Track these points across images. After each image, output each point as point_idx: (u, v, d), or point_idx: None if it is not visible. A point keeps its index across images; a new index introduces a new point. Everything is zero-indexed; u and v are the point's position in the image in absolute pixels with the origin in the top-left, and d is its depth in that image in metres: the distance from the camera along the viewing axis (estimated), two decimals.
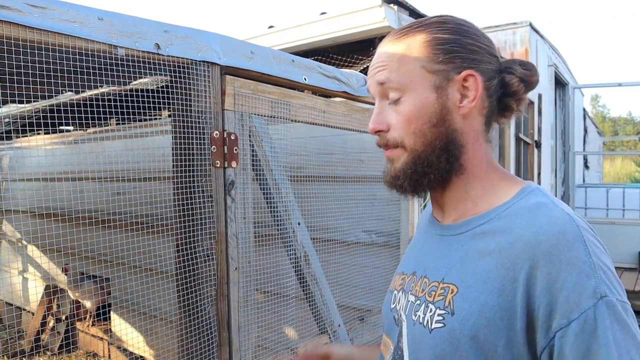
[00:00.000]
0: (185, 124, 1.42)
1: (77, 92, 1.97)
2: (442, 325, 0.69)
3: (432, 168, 0.75)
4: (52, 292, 4.01)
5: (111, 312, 3.55)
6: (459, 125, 0.75)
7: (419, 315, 0.74)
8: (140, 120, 2.77)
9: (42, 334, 4.04)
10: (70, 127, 3.81)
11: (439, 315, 0.70)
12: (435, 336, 0.69)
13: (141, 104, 1.52)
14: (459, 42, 0.75)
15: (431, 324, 0.71)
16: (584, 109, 8.33)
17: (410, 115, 0.75)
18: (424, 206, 2.36)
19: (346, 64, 3.09)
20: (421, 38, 0.75)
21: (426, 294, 0.74)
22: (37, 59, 1.12)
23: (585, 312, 0.60)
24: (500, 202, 0.73)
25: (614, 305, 0.61)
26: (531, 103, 4.71)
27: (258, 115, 1.61)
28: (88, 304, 3.62)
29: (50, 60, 1.13)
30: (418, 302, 0.75)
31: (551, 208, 0.68)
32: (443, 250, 0.77)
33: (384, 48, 0.79)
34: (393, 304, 0.84)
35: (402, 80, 0.75)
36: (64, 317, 3.97)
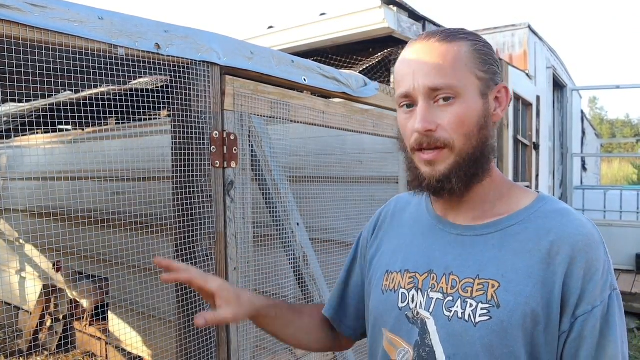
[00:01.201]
0: (185, 124, 1.42)
1: (76, 92, 1.97)
2: (488, 317, 0.74)
3: (479, 169, 0.80)
4: (50, 291, 4.01)
5: (109, 312, 3.54)
6: (492, 131, 0.82)
7: (456, 311, 0.77)
8: (139, 120, 2.77)
9: (39, 333, 4.03)
10: (69, 127, 3.81)
11: (482, 309, 0.75)
12: (481, 329, 0.74)
13: (141, 104, 1.52)
14: (492, 56, 0.81)
15: (475, 318, 0.75)
16: (582, 111, 8.36)
17: (464, 117, 0.77)
18: None
19: (346, 64, 3.10)
20: (468, 46, 0.79)
21: (459, 290, 0.78)
22: (37, 58, 1.12)
23: (604, 300, 0.73)
24: (523, 206, 0.81)
25: (619, 296, 0.75)
26: (529, 105, 4.73)
27: (258, 115, 1.61)
28: (86, 303, 3.62)
29: (51, 59, 1.13)
30: (450, 298, 0.78)
31: (576, 214, 0.79)
32: (467, 249, 0.81)
33: (430, 48, 0.78)
34: (403, 302, 0.84)
35: (457, 84, 0.77)
36: (61, 317, 3.96)
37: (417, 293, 0.83)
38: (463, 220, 0.84)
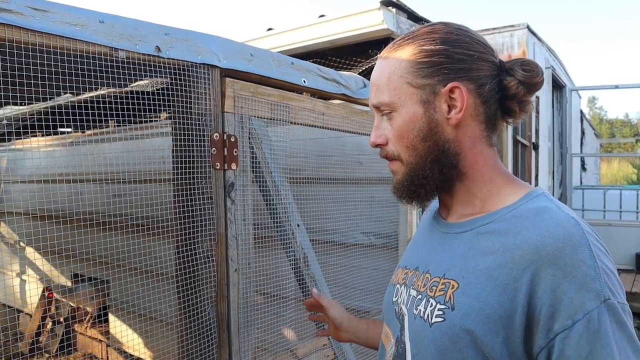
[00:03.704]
0: (186, 126, 1.43)
1: (77, 94, 1.98)
2: (442, 319, 0.71)
3: (427, 179, 0.79)
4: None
5: (110, 314, 3.54)
6: (451, 135, 0.77)
7: (420, 310, 0.76)
8: (140, 123, 2.78)
9: (40, 336, 4.03)
10: (70, 129, 3.81)
11: (439, 310, 0.72)
12: (435, 330, 0.71)
13: (141, 106, 1.52)
14: (444, 53, 0.76)
15: (431, 318, 0.72)
16: (581, 111, 8.37)
17: (401, 131, 0.78)
18: (422, 209, 2.37)
19: (345, 66, 3.10)
20: (408, 52, 0.78)
21: (427, 289, 0.76)
22: (38, 61, 1.12)
23: (589, 313, 0.62)
24: (505, 204, 0.75)
25: (615, 308, 0.63)
26: None
27: (258, 117, 1.62)
28: (88, 308, 3.62)
29: (52, 62, 1.14)
30: (419, 296, 0.77)
31: (556, 212, 0.69)
32: (445, 247, 0.79)
33: (378, 64, 0.82)
34: (395, 297, 0.86)
35: (390, 99, 0.78)
36: (62, 319, 3.96)
37: (404, 289, 0.84)
38: (452, 218, 0.82)
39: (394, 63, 0.78)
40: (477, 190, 0.79)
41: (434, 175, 0.78)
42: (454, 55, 0.75)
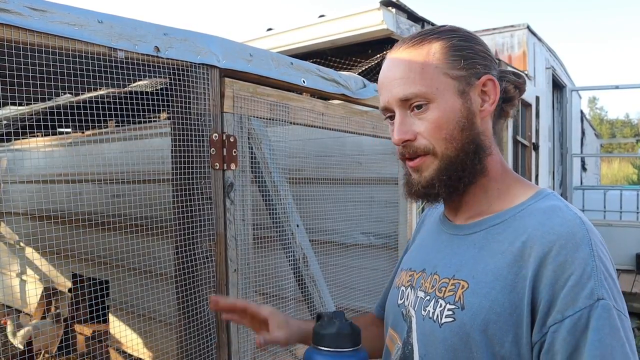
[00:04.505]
0: (185, 127, 1.43)
1: (76, 95, 1.98)
2: (452, 319, 0.71)
3: (466, 172, 0.77)
4: (50, 294, 4.01)
5: (109, 314, 3.54)
6: (481, 128, 0.78)
7: (429, 311, 0.75)
8: (139, 123, 2.78)
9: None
10: (69, 130, 3.81)
11: (449, 310, 0.72)
12: (445, 330, 0.71)
13: (140, 107, 1.52)
14: (472, 49, 0.77)
15: (441, 319, 0.72)
16: (582, 111, 8.37)
17: (440, 122, 0.75)
18: (422, 208, 2.37)
19: (345, 66, 3.11)
20: (439, 45, 0.76)
21: (436, 290, 0.76)
22: (37, 61, 1.12)
23: (581, 311, 0.62)
24: (515, 204, 0.76)
25: (609, 310, 0.62)
26: (529, 105, 4.73)
27: (257, 117, 1.62)
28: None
29: (51, 63, 1.14)
30: (428, 297, 0.77)
31: (564, 211, 0.70)
32: (454, 249, 0.79)
33: (399, 58, 0.78)
34: (401, 299, 0.85)
35: (427, 90, 0.75)
36: (62, 320, 3.96)
37: (411, 291, 0.83)
38: (460, 219, 0.82)
39: (425, 55, 0.76)
40: (489, 187, 0.79)
41: (473, 167, 0.76)
42: (480, 52, 0.78)
